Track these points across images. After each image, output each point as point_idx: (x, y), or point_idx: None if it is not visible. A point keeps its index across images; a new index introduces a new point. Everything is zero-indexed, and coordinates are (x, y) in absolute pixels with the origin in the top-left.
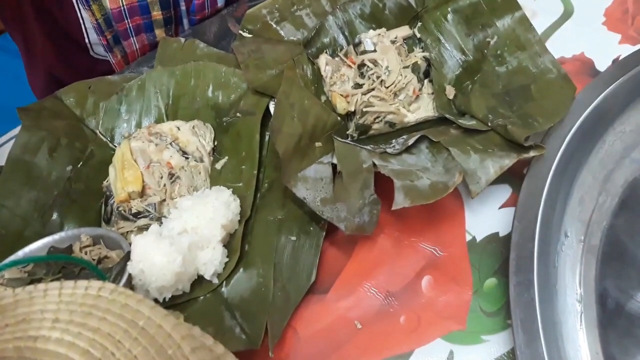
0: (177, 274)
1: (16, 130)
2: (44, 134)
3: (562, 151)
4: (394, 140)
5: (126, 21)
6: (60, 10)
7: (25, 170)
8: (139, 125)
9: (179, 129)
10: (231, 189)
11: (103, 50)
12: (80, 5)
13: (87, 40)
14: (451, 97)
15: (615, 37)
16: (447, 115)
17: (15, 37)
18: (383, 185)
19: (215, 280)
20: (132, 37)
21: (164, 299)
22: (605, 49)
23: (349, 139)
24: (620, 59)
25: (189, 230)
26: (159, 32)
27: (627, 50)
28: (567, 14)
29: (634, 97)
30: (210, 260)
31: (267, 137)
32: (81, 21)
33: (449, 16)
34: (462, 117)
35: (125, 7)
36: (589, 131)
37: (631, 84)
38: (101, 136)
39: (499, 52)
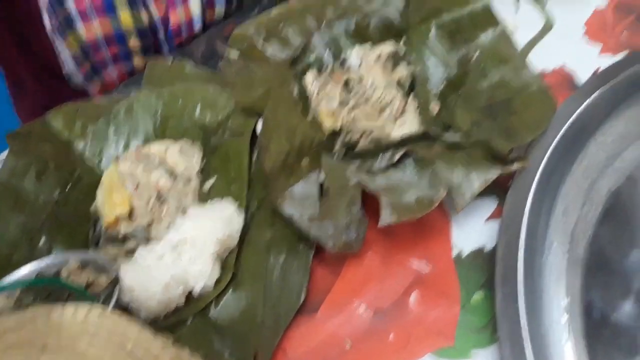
0: (169, 297)
1: (2, 155)
2: (32, 158)
3: (544, 163)
4: (380, 157)
5: (103, 51)
6: (38, 40)
7: (13, 195)
8: (127, 147)
9: (167, 150)
10: (237, 202)
11: (82, 81)
12: (57, 35)
13: (65, 71)
14: (436, 112)
15: (596, 48)
16: (431, 130)
17: None
18: (370, 202)
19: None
20: (111, 66)
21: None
22: (586, 61)
23: (336, 155)
24: (600, 70)
25: (187, 240)
26: (138, 61)
27: (607, 60)
28: (547, 27)
29: (614, 108)
30: (200, 273)
31: (255, 156)
32: (57, 52)
33: (433, 31)
34: (446, 131)
35: (101, 36)
36: (571, 142)
37: (611, 95)
38: (89, 159)
39: (481, 66)
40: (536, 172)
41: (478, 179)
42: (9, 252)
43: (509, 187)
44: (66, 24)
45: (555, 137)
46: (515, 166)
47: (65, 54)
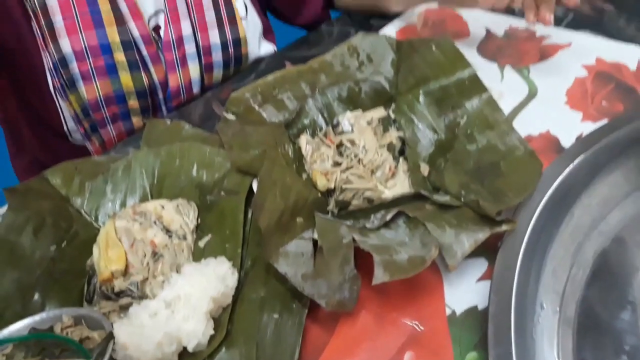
0: (162, 355)
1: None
2: (30, 214)
3: (532, 225)
4: (372, 216)
5: (103, 111)
6: (41, 100)
7: (9, 250)
8: (123, 205)
9: (163, 207)
10: (231, 262)
11: (81, 138)
12: (58, 96)
13: (65, 128)
14: (426, 174)
15: (578, 116)
16: (422, 192)
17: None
18: (363, 261)
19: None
20: (109, 125)
21: None
22: (569, 127)
23: (330, 214)
24: (582, 135)
25: (181, 297)
26: (136, 120)
27: (589, 127)
28: (531, 95)
29: (597, 172)
30: (194, 331)
31: (249, 215)
32: (60, 110)
33: (421, 98)
34: (436, 193)
35: (101, 97)
36: (557, 205)
37: (594, 160)
38: (86, 215)
39: (469, 131)
40: (524, 234)
41: (468, 240)
42: (2, 308)
43: (499, 248)
44: (69, 85)
45: (542, 199)
46: (504, 227)
47: (66, 112)
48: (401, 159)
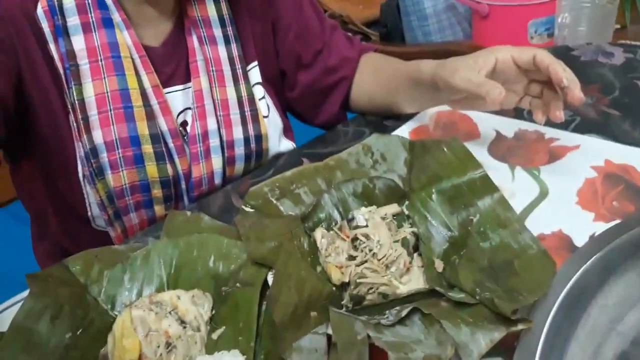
0: None
1: (18, 297)
2: (48, 301)
3: (548, 325)
4: (387, 312)
5: (127, 198)
6: (69, 187)
7: (26, 337)
8: (140, 294)
9: (179, 298)
10: (244, 356)
11: (104, 224)
12: (86, 182)
13: (89, 214)
14: (440, 270)
15: (589, 216)
16: (437, 288)
17: (27, 206)
18: (377, 358)
19: None
20: (132, 213)
21: None
22: (581, 226)
23: (344, 309)
24: (595, 235)
25: None
26: (158, 209)
27: (601, 227)
28: (543, 195)
29: (612, 271)
30: None
31: (264, 307)
32: (85, 197)
33: (434, 196)
34: (451, 289)
35: (127, 185)
36: (572, 305)
37: (607, 259)
38: (102, 304)
39: (482, 229)
40: (540, 334)
41: (484, 339)
42: None
43: (515, 347)
44: (97, 173)
45: (557, 298)
46: (520, 326)
47: (92, 198)
48: (415, 255)
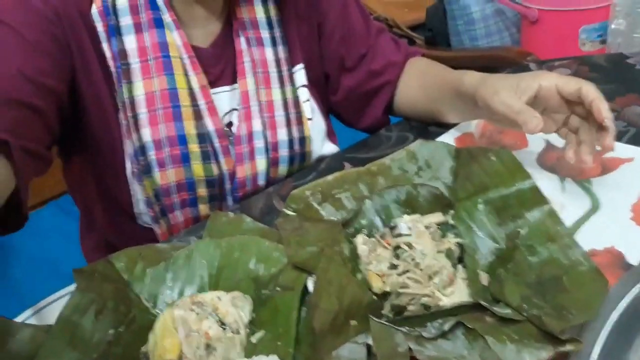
0: None
1: (65, 290)
2: (93, 296)
3: (599, 348)
4: (429, 324)
5: (173, 196)
6: (117, 184)
7: (71, 331)
8: (181, 293)
9: (220, 299)
10: None
11: (150, 221)
12: (134, 180)
13: (135, 210)
14: (485, 283)
15: None
16: (481, 302)
17: (76, 201)
18: None
19: None
20: (177, 210)
21: None
22: (635, 243)
23: (384, 318)
24: None
25: None
26: (203, 208)
27: None
28: (594, 208)
29: None
30: None
31: (303, 313)
32: (132, 194)
33: (480, 206)
34: (496, 304)
35: (173, 183)
36: (626, 327)
37: None
38: (145, 301)
39: (529, 242)
40: (590, 357)
41: (531, 357)
42: None
43: None
44: (145, 170)
45: (609, 319)
46: (568, 347)
47: (139, 195)
48: (460, 267)
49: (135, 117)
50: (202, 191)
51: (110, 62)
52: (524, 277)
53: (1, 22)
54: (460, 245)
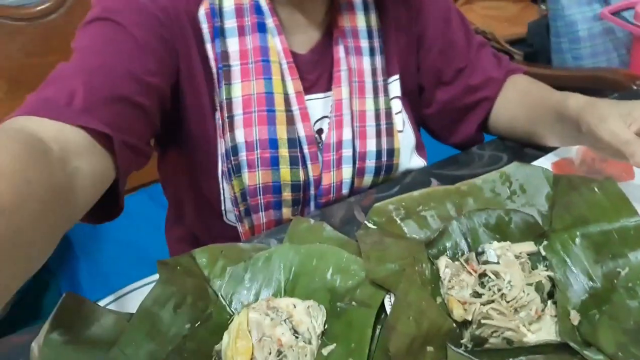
0: None
1: (147, 279)
2: (174, 290)
3: None
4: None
5: (259, 197)
6: (207, 181)
7: (151, 322)
8: (257, 295)
9: (295, 306)
10: None
11: (234, 219)
12: (224, 178)
13: (222, 208)
14: (576, 323)
15: None
16: (570, 343)
17: (167, 192)
18: None
19: None
20: (261, 212)
21: None
22: None
23: (463, 348)
24: None
25: None
26: (286, 211)
27: None
28: None
29: None
30: None
31: (377, 332)
32: (221, 191)
33: (577, 240)
34: (587, 347)
35: (260, 185)
36: None
37: None
38: (222, 299)
39: (630, 284)
40: None
41: None
42: None
43: None
44: (235, 170)
45: None
46: None
47: (227, 194)
48: (549, 303)
49: (231, 118)
50: (287, 195)
51: (212, 63)
52: (621, 322)
53: (114, 21)
54: (551, 280)
